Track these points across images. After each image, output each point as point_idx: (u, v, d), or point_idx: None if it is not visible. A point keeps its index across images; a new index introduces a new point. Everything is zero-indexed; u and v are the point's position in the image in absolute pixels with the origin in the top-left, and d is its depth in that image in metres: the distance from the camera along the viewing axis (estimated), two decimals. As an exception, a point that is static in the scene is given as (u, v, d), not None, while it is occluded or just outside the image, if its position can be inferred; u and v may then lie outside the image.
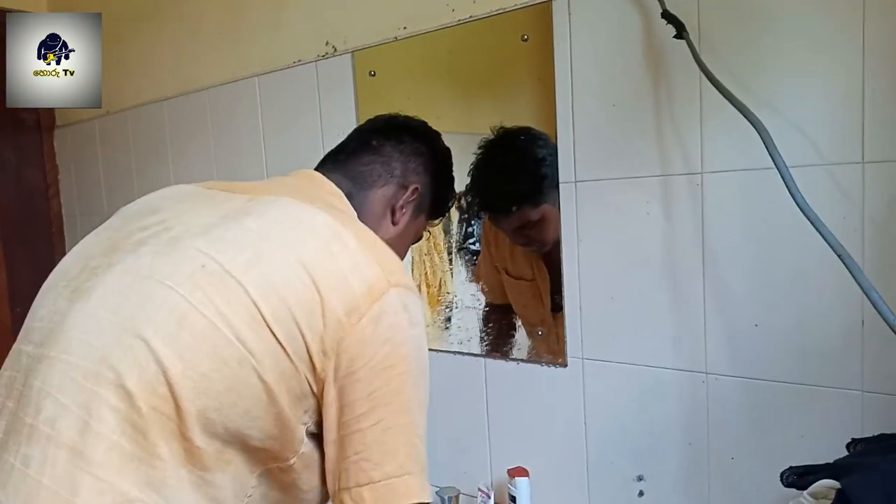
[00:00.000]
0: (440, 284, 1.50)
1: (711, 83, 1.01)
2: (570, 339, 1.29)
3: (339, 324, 0.73)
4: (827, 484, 0.84)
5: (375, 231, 0.91)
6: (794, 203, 0.89)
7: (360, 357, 0.73)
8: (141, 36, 2.09)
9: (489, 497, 1.34)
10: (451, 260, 1.48)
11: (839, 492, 0.76)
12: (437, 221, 1.21)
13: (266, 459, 0.75)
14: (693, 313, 1.15)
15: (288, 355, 0.72)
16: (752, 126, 0.94)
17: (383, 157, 1.01)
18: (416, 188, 1.02)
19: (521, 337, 1.41)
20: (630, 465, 1.25)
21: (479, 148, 1.36)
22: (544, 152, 1.29)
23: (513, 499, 1.31)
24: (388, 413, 0.74)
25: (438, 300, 1.50)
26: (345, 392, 0.73)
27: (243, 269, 0.73)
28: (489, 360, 1.43)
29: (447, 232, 1.48)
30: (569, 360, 1.30)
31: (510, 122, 1.34)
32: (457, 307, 1.48)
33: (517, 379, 1.39)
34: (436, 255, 1.49)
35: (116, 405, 0.68)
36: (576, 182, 1.25)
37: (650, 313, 1.20)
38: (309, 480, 0.80)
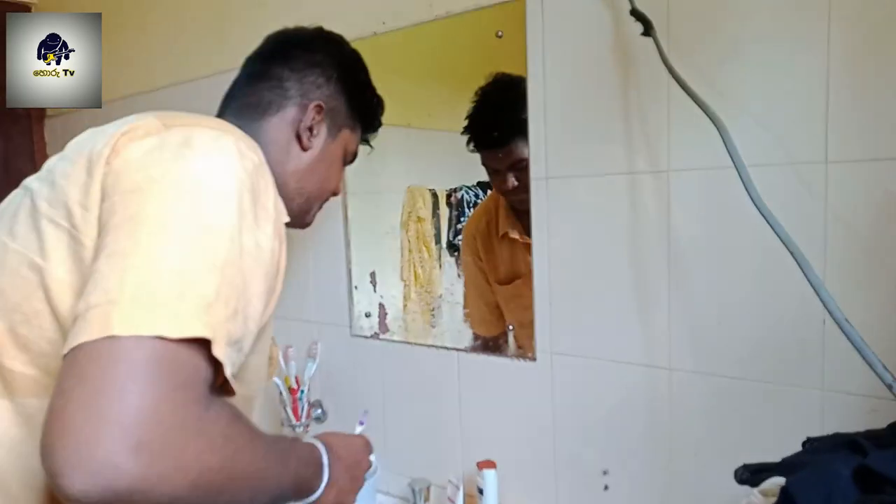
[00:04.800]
0: (429, 280, 1.50)
1: (675, 80, 1.01)
2: (539, 333, 1.30)
3: (94, 171, 0.65)
4: (777, 482, 0.84)
5: (284, 163, 0.90)
6: (756, 201, 0.90)
7: (113, 187, 0.63)
8: (132, 27, 2.10)
9: (459, 488, 1.35)
10: (439, 255, 1.49)
11: (782, 489, 0.77)
12: (372, 134, 1.10)
13: None
14: (658, 309, 1.16)
15: (72, 234, 0.64)
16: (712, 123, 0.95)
17: (272, 81, 0.92)
18: (320, 105, 0.92)
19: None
20: (596, 458, 1.26)
21: (476, 94, 1.34)
22: None
23: (480, 491, 1.32)
24: (114, 239, 0.59)
25: (428, 293, 1.50)
26: (102, 227, 0.63)
27: (38, 183, 0.72)
28: (462, 354, 1.43)
29: (438, 230, 1.49)
30: (538, 354, 1.31)
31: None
32: (448, 302, 1.48)
33: (488, 372, 1.39)
34: (425, 250, 1.50)
35: None
36: (547, 178, 1.25)
37: (617, 309, 1.20)
38: None
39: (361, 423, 1.26)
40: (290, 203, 0.88)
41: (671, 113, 1.11)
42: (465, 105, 1.37)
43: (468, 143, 1.35)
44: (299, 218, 0.99)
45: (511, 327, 1.37)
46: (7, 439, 0.66)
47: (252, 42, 1.71)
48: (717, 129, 0.93)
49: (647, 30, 1.07)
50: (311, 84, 0.93)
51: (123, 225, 0.60)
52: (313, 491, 0.77)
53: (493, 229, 1.39)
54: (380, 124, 1.12)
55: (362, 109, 1.02)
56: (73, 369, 0.52)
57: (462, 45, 1.35)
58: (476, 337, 1.45)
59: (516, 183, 1.31)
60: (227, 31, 1.82)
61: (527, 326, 1.33)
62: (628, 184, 1.16)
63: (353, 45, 1.49)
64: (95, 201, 0.64)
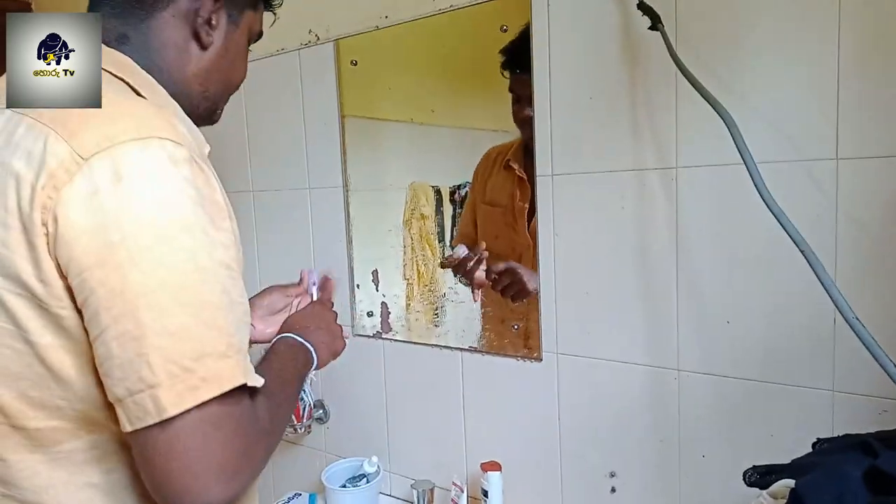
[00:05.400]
0: (432, 278, 1.49)
1: (684, 75, 0.99)
2: (546, 333, 1.28)
3: (35, 240, 0.60)
4: (786, 484, 0.82)
5: (183, 68, 0.79)
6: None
7: (71, 261, 0.59)
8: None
9: (462, 491, 1.33)
10: (443, 253, 1.47)
11: (792, 491, 0.75)
12: (276, 2, 0.93)
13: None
14: (666, 309, 1.14)
15: (41, 306, 0.62)
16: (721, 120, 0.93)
17: None
18: None
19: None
20: (602, 460, 1.24)
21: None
22: None
23: (485, 493, 1.31)
24: (113, 321, 0.59)
25: (431, 291, 1.49)
26: (84, 303, 0.61)
27: None
28: (465, 354, 1.42)
29: (441, 228, 1.47)
30: (543, 354, 1.29)
31: (489, 117, 1.34)
32: (452, 301, 1.46)
33: (493, 373, 1.38)
34: (428, 249, 1.49)
35: None
36: (552, 175, 1.24)
37: (624, 309, 1.18)
38: None
39: (314, 284, 1.18)
40: (196, 109, 0.79)
41: (679, 109, 1.09)
42: (469, 101, 1.36)
43: (502, 66, 1.32)
44: (207, 119, 0.87)
45: (516, 326, 1.35)
46: (50, 486, 0.69)
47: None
48: (726, 124, 0.91)
49: (655, 24, 1.05)
50: None
51: (114, 304, 0.59)
52: (312, 361, 0.92)
53: (499, 159, 1.39)
54: None
55: None
56: (155, 448, 0.61)
57: (466, 40, 1.33)
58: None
59: (532, 114, 1.29)
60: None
61: (502, 256, 1.37)
62: (636, 181, 1.14)
63: (355, 39, 1.49)
64: (53, 275, 0.61)
